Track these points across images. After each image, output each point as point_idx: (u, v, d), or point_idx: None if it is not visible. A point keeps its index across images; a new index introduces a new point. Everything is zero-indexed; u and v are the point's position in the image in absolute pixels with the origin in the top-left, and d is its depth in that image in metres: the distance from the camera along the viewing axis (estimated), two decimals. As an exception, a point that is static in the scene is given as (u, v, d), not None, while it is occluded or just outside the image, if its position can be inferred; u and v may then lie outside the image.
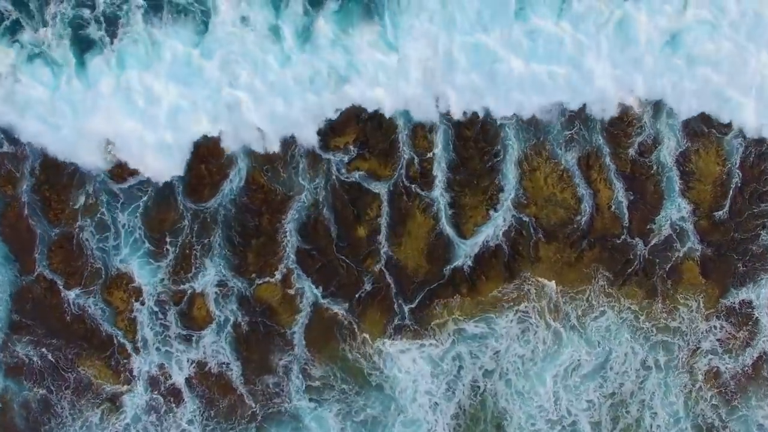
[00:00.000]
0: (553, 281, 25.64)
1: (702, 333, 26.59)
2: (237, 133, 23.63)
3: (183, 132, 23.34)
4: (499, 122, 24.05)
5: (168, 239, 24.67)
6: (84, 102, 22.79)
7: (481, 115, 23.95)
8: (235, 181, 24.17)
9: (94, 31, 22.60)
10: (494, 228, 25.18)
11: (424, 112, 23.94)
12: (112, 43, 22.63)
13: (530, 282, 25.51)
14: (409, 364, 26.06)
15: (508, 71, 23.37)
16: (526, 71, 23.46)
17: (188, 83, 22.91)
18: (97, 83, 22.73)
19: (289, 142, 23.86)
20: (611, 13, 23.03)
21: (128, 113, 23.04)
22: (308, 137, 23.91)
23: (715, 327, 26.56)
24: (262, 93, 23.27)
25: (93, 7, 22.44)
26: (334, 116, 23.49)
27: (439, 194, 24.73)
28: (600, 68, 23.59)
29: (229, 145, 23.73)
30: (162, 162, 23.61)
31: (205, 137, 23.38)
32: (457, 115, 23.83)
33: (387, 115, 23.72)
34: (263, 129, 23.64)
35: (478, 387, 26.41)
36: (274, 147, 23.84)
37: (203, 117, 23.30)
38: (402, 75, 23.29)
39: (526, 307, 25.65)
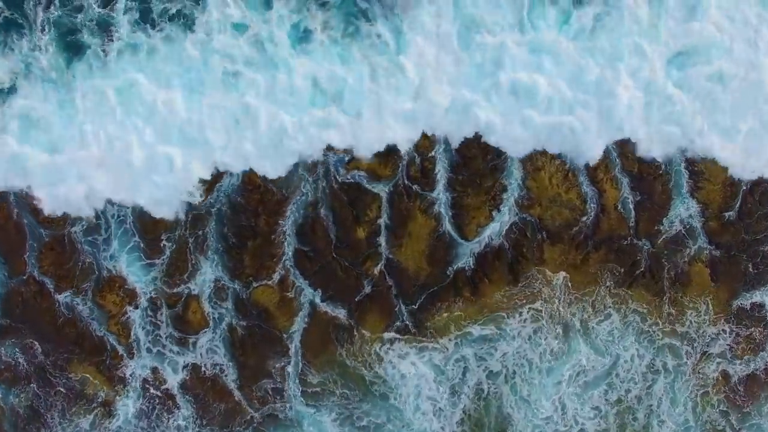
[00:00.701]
0: (562, 272, 25.02)
1: (711, 337, 26.14)
2: (236, 152, 23.31)
3: (185, 180, 23.42)
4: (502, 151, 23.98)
5: (163, 237, 24.47)
6: (78, 130, 22.69)
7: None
8: (230, 180, 23.87)
9: (86, 37, 22.25)
10: (497, 229, 24.76)
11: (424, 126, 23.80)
12: (106, 55, 22.30)
13: (538, 278, 24.95)
14: (411, 369, 25.73)
15: (511, 86, 23.17)
16: (530, 88, 23.17)
17: (185, 99, 22.67)
18: (88, 103, 22.58)
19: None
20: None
21: (123, 152, 23.05)
22: (312, 150, 23.61)
23: (724, 331, 26.09)
24: (260, 106, 22.99)
25: (81, 9, 22.10)
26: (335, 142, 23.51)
27: (440, 194, 24.28)
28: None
29: (228, 162, 23.42)
30: (167, 209, 23.81)
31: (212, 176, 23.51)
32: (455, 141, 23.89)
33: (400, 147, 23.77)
34: (262, 146, 23.28)
35: (482, 390, 26.02)
36: (278, 171, 23.61)
37: (203, 157, 23.16)
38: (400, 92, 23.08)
39: (541, 305, 25.21)
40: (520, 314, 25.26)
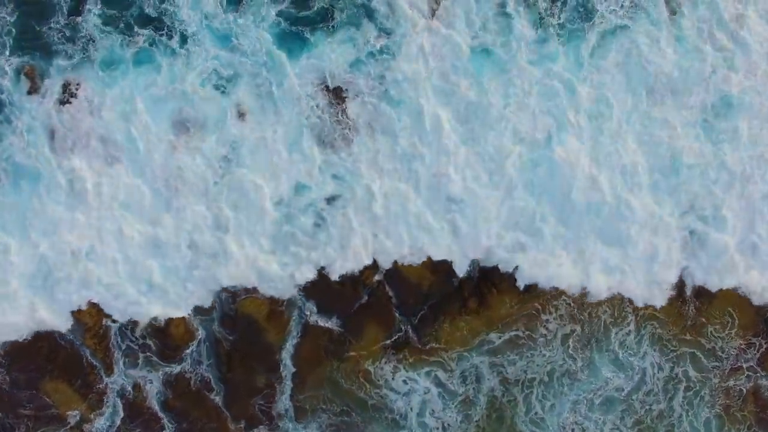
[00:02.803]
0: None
1: (738, 350, 25.06)
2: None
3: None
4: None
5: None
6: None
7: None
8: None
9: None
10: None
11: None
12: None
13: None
14: (412, 386, 24.97)
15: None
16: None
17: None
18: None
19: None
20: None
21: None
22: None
23: (753, 344, 25.15)
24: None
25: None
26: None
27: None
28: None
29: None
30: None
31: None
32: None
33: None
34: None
35: (496, 397, 25.28)
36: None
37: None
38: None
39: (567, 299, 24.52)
40: (556, 309, 24.27)
